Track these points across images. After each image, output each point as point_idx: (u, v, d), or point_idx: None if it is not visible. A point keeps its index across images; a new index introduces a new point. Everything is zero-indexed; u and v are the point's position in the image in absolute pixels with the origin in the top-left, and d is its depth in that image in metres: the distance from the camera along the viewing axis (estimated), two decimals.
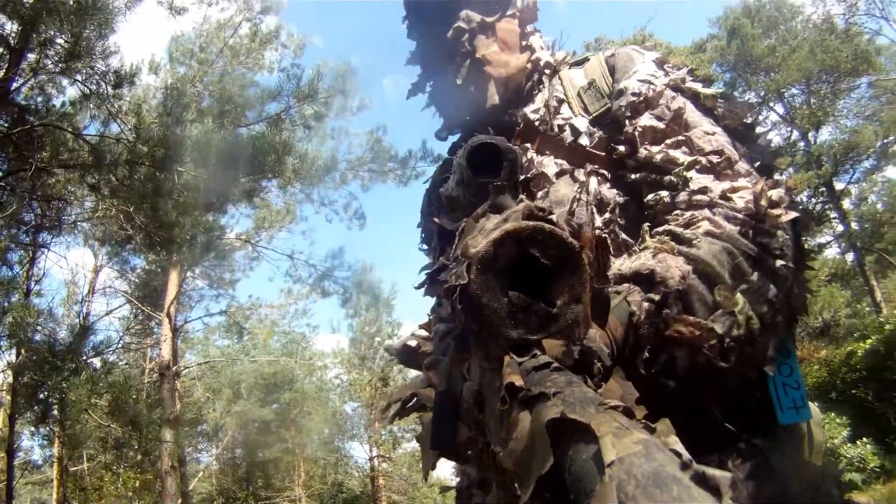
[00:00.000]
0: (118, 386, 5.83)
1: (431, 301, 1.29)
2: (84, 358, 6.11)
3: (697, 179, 1.15)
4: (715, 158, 1.16)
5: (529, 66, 1.42)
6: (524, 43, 1.41)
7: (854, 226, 18.09)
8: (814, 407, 1.15)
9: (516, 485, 0.66)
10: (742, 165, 1.16)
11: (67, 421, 6.08)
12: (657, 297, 0.98)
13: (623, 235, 1.25)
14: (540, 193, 1.27)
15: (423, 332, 1.24)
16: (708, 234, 1.06)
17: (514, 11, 1.39)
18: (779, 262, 1.04)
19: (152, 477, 12.37)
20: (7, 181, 6.96)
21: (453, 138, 1.51)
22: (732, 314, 0.98)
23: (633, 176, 1.26)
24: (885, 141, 17.56)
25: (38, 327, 5.86)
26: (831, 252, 20.06)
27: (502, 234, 0.73)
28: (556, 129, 1.36)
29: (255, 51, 11.43)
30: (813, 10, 17.21)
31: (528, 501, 0.60)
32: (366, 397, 19.59)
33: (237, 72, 11.14)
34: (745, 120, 1.23)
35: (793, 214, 1.08)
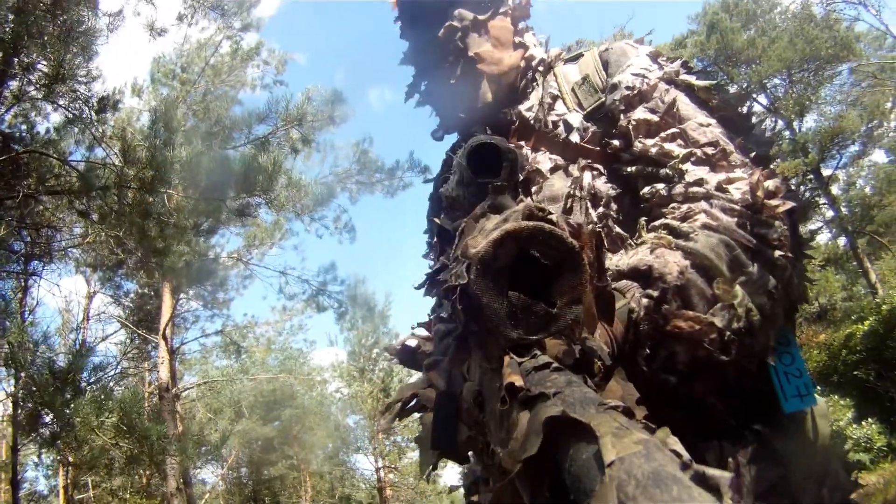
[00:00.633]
0: (126, 401, 5.75)
1: (427, 309, 1.28)
2: (86, 379, 6.04)
3: (693, 171, 1.15)
4: (710, 150, 1.16)
5: (523, 63, 1.42)
6: (517, 40, 1.41)
7: (844, 210, 18.22)
8: (820, 399, 1.14)
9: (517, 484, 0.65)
10: (737, 156, 1.16)
11: (74, 443, 5.99)
12: (656, 293, 0.98)
13: (617, 229, 1.25)
14: (534, 189, 1.26)
15: (423, 332, 1.24)
16: (705, 226, 1.05)
17: (507, 9, 1.39)
18: (777, 253, 1.04)
19: (158, 502, 12.23)
20: None
21: (450, 137, 1.51)
22: (732, 307, 0.98)
23: (628, 169, 1.26)
24: (870, 125, 17.73)
25: (37, 354, 5.78)
26: (823, 237, 20.22)
27: (502, 234, 0.73)
28: (550, 126, 1.36)
29: (236, 68, 11.41)
30: (791, 0, 17.38)
31: (528, 502, 0.60)
32: (368, 409, 19.48)
33: (220, 90, 11.11)
34: (739, 110, 1.23)
35: (790, 204, 1.08)
